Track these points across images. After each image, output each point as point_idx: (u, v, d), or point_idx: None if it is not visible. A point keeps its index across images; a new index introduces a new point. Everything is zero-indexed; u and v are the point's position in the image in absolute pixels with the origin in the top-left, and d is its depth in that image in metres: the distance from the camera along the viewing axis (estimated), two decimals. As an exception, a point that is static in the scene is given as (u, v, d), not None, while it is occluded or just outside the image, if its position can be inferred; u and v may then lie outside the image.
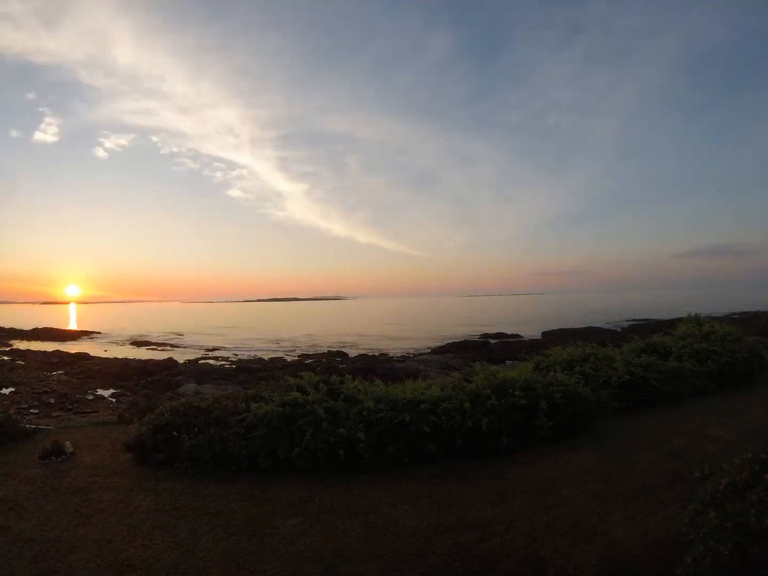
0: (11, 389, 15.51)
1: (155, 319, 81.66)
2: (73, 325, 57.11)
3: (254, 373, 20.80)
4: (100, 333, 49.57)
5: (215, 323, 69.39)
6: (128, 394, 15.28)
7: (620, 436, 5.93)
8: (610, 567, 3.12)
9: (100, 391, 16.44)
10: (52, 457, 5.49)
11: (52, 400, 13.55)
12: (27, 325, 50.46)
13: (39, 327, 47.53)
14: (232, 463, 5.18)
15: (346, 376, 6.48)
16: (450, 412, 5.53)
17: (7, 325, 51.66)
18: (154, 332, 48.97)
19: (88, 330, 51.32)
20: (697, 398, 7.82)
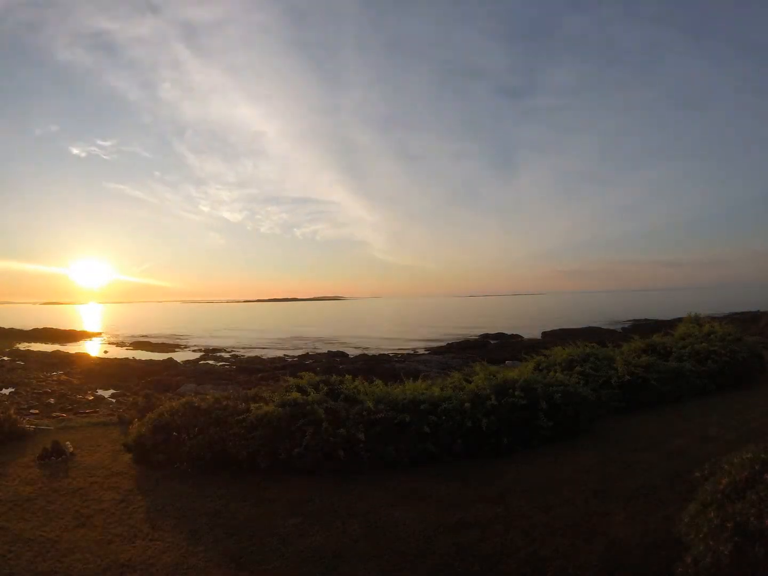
0: (11, 389, 15.50)
1: (155, 320, 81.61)
2: (73, 326, 56.95)
3: (254, 373, 20.79)
4: (100, 333, 49.57)
5: (215, 323, 69.37)
6: (128, 394, 15.25)
7: (620, 436, 5.92)
8: (610, 567, 3.11)
9: (100, 392, 16.42)
10: (52, 458, 5.49)
11: (52, 401, 13.56)
12: (27, 326, 50.44)
13: (39, 327, 47.52)
14: (232, 464, 5.17)
15: (346, 376, 6.48)
16: (450, 413, 5.53)
17: (6, 325, 51.63)
18: (155, 332, 48.93)
19: (88, 330, 51.30)
20: (697, 398, 7.81)
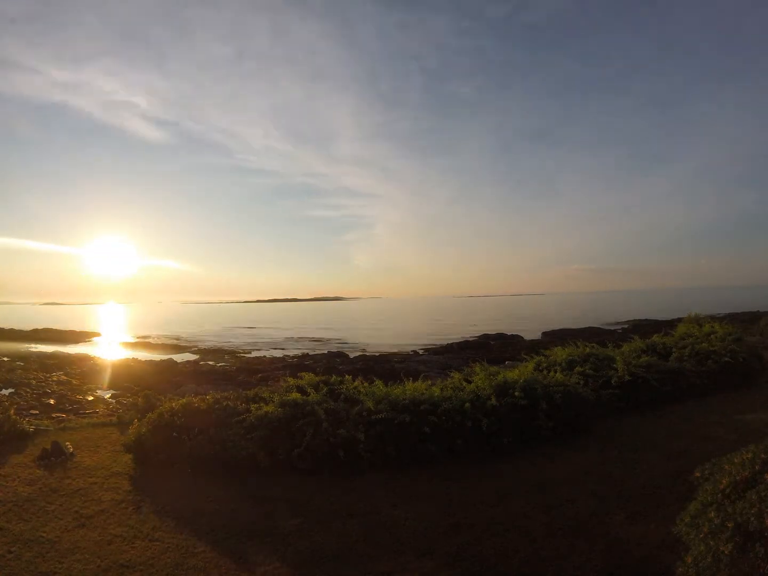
0: (11, 390, 15.49)
1: (155, 320, 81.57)
2: (73, 326, 56.87)
3: (254, 373, 20.77)
4: (100, 334, 49.51)
5: (215, 324, 69.32)
6: (128, 394, 15.24)
7: (620, 437, 5.92)
8: (610, 567, 3.11)
9: (99, 392, 16.40)
10: (52, 458, 5.48)
11: (52, 401, 13.53)
12: (27, 326, 50.39)
13: (39, 328, 47.46)
14: (232, 464, 5.17)
15: (346, 376, 6.49)
16: (450, 413, 5.52)
17: (7, 326, 51.56)
18: (155, 333, 48.92)
19: (88, 331, 51.23)
20: (697, 398, 7.80)
